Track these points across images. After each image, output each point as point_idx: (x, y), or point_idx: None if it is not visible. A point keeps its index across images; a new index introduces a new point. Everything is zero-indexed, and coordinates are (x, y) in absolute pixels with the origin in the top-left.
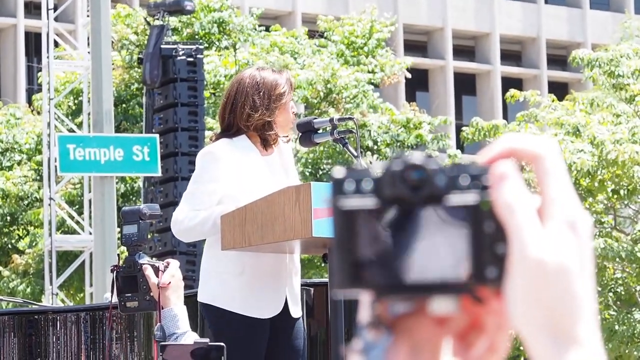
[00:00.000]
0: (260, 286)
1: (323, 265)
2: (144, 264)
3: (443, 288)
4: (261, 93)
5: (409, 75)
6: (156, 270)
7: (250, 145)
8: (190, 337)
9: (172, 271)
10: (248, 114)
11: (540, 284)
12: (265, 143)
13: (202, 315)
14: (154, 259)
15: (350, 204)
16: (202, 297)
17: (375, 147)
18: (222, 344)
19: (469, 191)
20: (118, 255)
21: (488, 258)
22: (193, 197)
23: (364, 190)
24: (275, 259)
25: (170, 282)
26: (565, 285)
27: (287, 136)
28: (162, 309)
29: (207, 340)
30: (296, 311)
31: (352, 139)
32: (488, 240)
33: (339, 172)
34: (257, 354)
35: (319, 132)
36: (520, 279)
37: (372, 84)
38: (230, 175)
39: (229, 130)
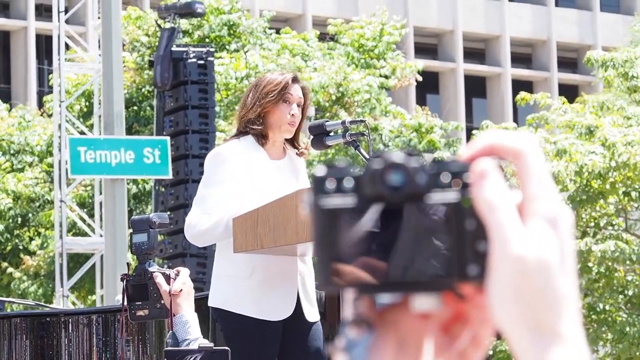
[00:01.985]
0: (271, 288)
1: None
2: (154, 272)
3: (425, 285)
4: (256, 91)
5: (420, 79)
6: (167, 278)
7: (257, 146)
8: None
9: (183, 279)
10: (239, 112)
11: (522, 281)
12: (257, 139)
13: (214, 319)
14: (164, 261)
15: (331, 203)
16: (212, 302)
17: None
18: (226, 348)
19: (450, 189)
20: (128, 264)
21: (470, 255)
22: (203, 201)
23: (345, 189)
24: (286, 261)
25: (181, 290)
26: (547, 281)
27: (301, 148)
28: (174, 316)
29: (211, 344)
30: (311, 314)
31: (364, 142)
32: (469, 238)
33: (320, 170)
34: (268, 357)
35: (331, 134)
36: (502, 276)
37: (383, 87)
38: (238, 174)
39: (237, 132)
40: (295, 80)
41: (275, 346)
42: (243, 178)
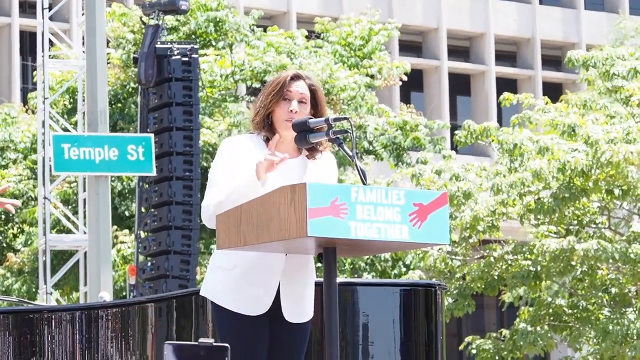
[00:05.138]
0: (250, 282)
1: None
2: None
3: None
4: (262, 93)
5: (405, 79)
6: None
7: (266, 144)
8: None
9: None
10: (255, 110)
11: None
12: (266, 139)
13: (197, 315)
14: (147, 258)
15: None
16: (202, 291)
17: (372, 148)
18: (226, 344)
19: None
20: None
21: None
22: (210, 186)
23: None
24: (271, 257)
25: None
26: None
27: (317, 154)
28: None
29: (212, 340)
30: (293, 315)
31: (347, 139)
32: None
33: None
34: (251, 351)
35: (314, 131)
36: None
37: (369, 87)
38: (243, 161)
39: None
40: (296, 77)
41: (260, 342)
42: (244, 169)
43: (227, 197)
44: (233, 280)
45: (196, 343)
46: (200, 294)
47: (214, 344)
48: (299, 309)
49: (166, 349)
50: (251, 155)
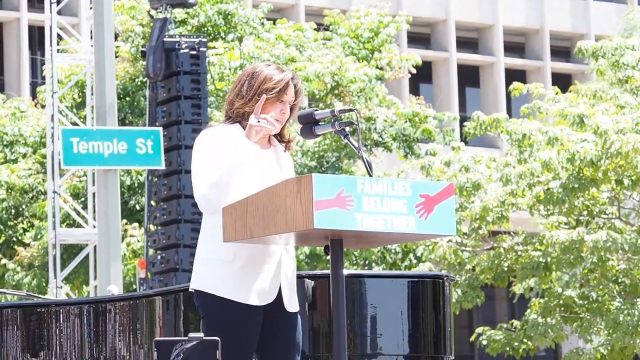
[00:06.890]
0: (254, 273)
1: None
2: None
3: None
4: (252, 82)
5: (414, 71)
6: None
7: (243, 134)
8: None
9: None
10: (232, 100)
11: None
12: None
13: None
14: (157, 252)
15: None
16: (195, 284)
17: (381, 140)
18: (216, 338)
19: None
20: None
21: None
22: (203, 167)
23: None
24: (269, 247)
25: None
26: None
27: (285, 140)
28: None
29: (201, 334)
30: (291, 305)
31: (353, 131)
32: None
33: None
34: (249, 342)
35: (320, 123)
36: None
37: (379, 79)
38: (224, 153)
39: (227, 118)
40: (292, 80)
41: (256, 332)
42: (226, 156)
43: (221, 169)
44: (236, 271)
45: (186, 338)
46: (193, 287)
47: (204, 337)
48: (294, 299)
49: (155, 345)
50: (234, 144)
